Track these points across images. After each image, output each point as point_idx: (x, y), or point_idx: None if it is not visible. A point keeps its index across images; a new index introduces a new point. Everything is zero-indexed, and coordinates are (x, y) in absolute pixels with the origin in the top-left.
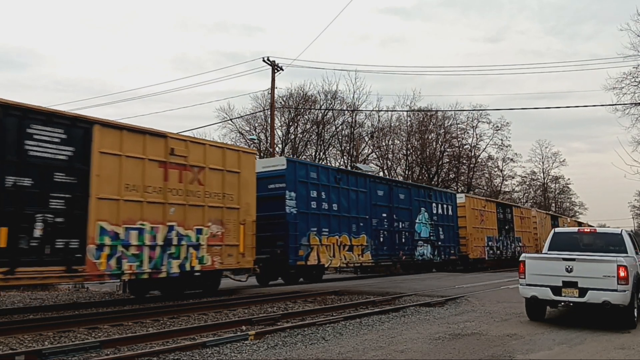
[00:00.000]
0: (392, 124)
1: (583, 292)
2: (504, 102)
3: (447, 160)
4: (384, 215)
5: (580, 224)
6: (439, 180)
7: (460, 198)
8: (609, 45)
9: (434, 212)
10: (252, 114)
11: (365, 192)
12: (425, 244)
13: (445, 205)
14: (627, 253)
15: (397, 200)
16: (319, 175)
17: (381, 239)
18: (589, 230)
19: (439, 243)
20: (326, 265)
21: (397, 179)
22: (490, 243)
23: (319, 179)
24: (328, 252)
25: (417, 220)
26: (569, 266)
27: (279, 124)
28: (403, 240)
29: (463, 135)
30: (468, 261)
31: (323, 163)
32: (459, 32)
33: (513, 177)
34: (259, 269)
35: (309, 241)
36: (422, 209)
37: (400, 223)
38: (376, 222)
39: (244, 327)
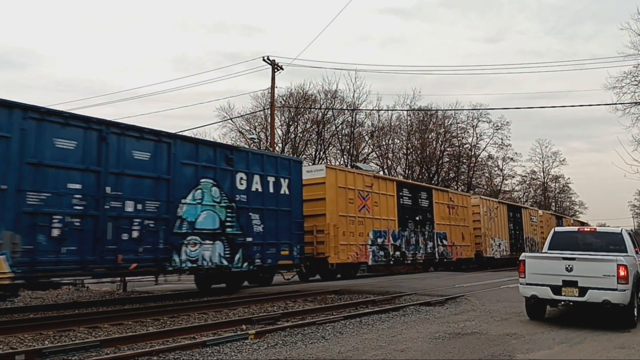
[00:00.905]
0: (392, 123)
1: (583, 291)
2: (504, 102)
3: (447, 159)
4: (77, 186)
5: (559, 217)
6: (439, 179)
7: (318, 171)
8: (608, 45)
9: (240, 187)
10: (252, 113)
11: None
12: (208, 241)
13: (271, 179)
14: (627, 252)
15: (121, 160)
16: None
17: (56, 233)
18: (588, 229)
19: (249, 239)
20: None
21: (125, 123)
22: (380, 240)
23: None
24: None
25: (187, 200)
26: (569, 265)
27: (279, 124)
28: (135, 234)
29: (463, 135)
30: (327, 267)
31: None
32: (459, 32)
33: (513, 177)
34: None
35: None
36: (206, 180)
37: (130, 203)
38: (40, 199)
39: (244, 327)
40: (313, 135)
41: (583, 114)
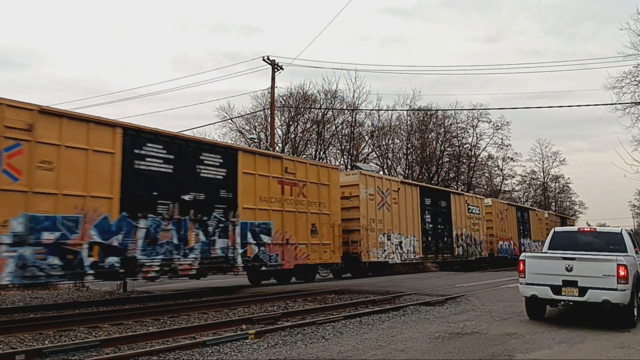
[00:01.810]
0: (392, 123)
1: (583, 291)
2: (504, 102)
3: (447, 159)
4: None
5: (524, 210)
6: (439, 179)
7: None
8: (608, 45)
9: None
10: (252, 113)
11: None
12: None
13: None
14: (627, 252)
15: None
16: None
17: None
18: (589, 229)
19: None
20: None
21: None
22: (49, 237)
23: None
24: None
25: None
26: (568, 265)
27: (279, 124)
28: None
29: (463, 135)
30: None
31: (323, 162)
32: (459, 32)
33: (513, 177)
34: None
35: None
36: None
37: None
38: None
39: (244, 326)
40: (313, 135)
41: (583, 113)
